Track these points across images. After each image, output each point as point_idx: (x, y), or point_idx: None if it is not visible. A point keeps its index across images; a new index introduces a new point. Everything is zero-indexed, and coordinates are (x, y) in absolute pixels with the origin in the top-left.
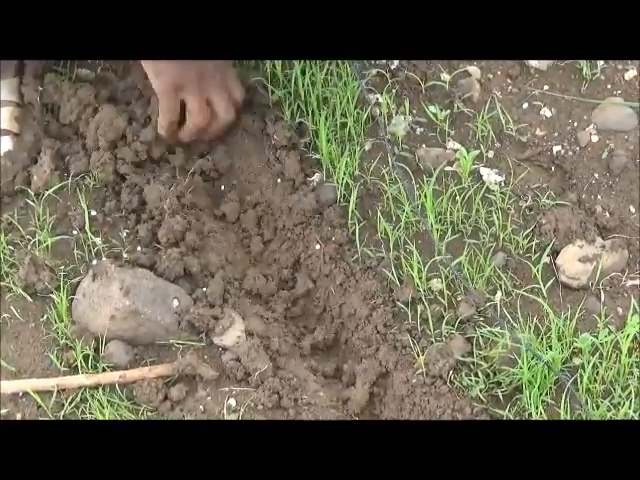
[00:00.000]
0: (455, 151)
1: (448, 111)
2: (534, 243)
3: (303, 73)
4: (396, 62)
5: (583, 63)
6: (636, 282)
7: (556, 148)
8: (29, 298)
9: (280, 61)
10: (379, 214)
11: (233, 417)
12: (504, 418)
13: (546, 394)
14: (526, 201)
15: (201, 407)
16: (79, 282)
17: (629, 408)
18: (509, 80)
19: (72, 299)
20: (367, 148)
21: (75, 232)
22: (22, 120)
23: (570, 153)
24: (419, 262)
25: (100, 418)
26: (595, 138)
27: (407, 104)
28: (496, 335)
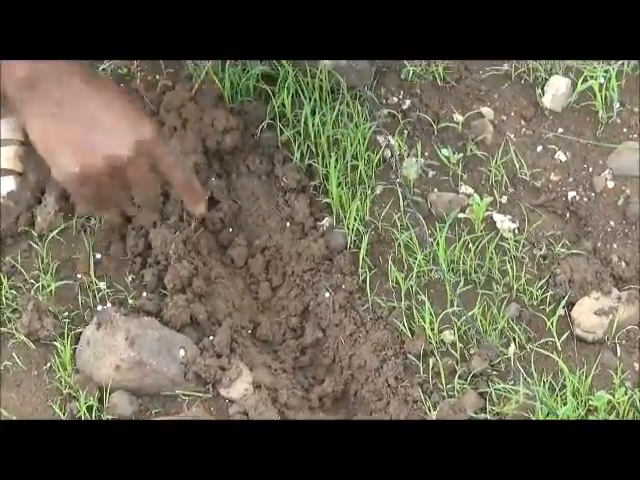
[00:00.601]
0: (468, 196)
1: (461, 154)
2: (548, 294)
3: (313, 113)
4: (408, 102)
5: (599, 105)
6: None
7: (571, 194)
8: (32, 345)
9: (289, 100)
10: (390, 262)
11: None
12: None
13: None
14: (540, 249)
15: None
16: (83, 329)
17: None
18: (523, 122)
19: (76, 347)
20: (378, 192)
21: (79, 276)
22: (25, 159)
23: (585, 199)
24: (431, 313)
25: None
26: (611, 184)
27: (419, 146)
28: (509, 392)
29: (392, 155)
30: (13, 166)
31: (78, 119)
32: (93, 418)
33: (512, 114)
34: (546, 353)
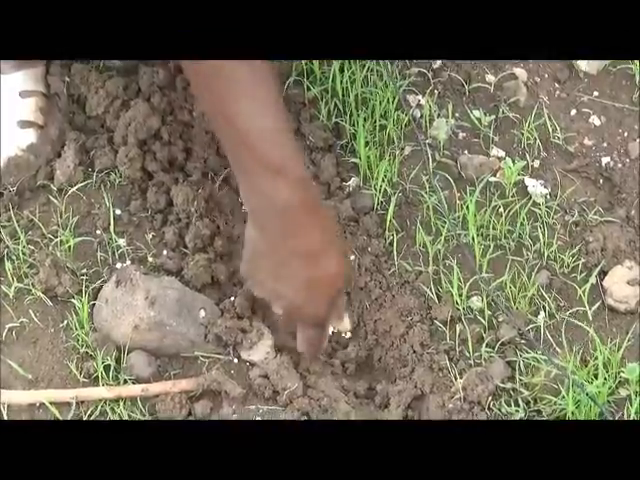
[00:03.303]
0: (499, 159)
1: (493, 116)
2: (580, 262)
3: (342, 70)
4: (439, 61)
5: (635, 69)
6: None
7: (605, 159)
8: (49, 302)
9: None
10: (418, 225)
11: None
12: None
13: None
14: (572, 216)
15: None
16: (101, 287)
17: None
18: (557, 84)
19: (94, 305)
20: (407, 153)
21: (98, 232)
22: (47, 112)
23: (620, 165)
24: (459, 278)
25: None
26: None
27: (450, 107)
28: (538, 361)
29: (422, 115)
30: (34, 118)
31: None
32: (110, 379)
33: (546, 76)
34: (577, 322)
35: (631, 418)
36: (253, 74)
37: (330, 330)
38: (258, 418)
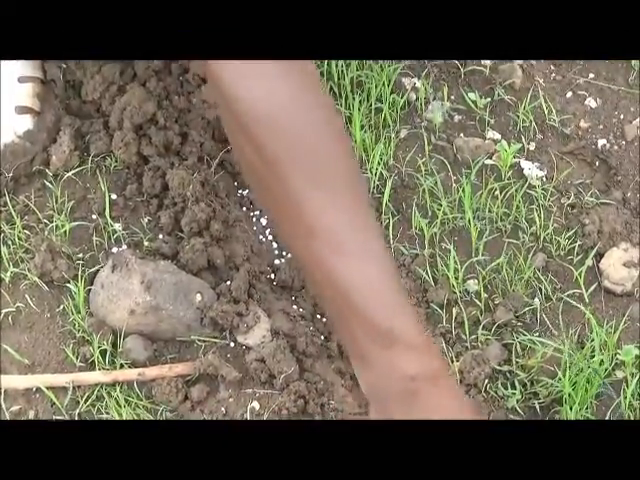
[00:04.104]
0: (495, 142)
1: (488, 99)
2: (576, 245)
3: None
4: None
5: None
6: None
7: (601, 142)
8: (45, 287)
9: None
10: (414, 208)
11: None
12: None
13: (587, 409)
14: (569, 198)
15: (223, 409)
16: (97, 271)
17: None
18: (553, 66)
19: (90, 289)
20: (402, 136)
21: (94, 217)
22: (44, 98)
23: (616, 147)
24: (455, 261)
25: (117, 417)
26: None
27: (445, 90)
28: (535, 343)
29: (417, 98)
30: (31, 104)
31: None
32: (106, 363)
33: None
34: (573, 304)
35: (628, 402)
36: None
37: None
38: (255, 402)
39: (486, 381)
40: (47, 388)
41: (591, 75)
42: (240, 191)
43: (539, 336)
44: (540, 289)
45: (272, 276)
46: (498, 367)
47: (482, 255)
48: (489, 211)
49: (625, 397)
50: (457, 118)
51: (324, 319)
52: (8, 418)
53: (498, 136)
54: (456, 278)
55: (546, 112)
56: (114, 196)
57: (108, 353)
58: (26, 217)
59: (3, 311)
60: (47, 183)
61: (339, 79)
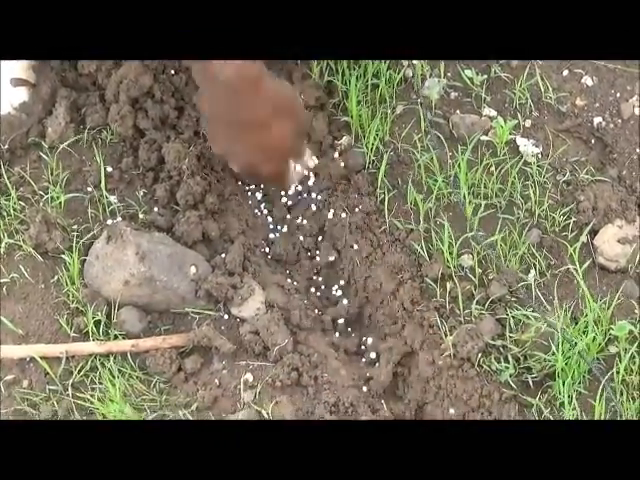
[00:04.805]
0: (491, 119)
1: (485, 76)
2: (571, 221)
3: None
4: None
5: None
6: None
7: (597, 119)
8: (39, 258)
9: None
10: (409, 183)
11: (250, 393)
12: (534, 406)
13: (579, 383)
14: (564, 175)
15: (216, 380)
16: (92, 243)
17: None
18: None
19: (84, 260)
20: (399, 112)
21: (89, 189)
22: (39, 70)
23: (611, 125)
24: (450, 236)
25: (110, 388)
26: (638, 110)
27: (442, 66)
28: (528, 318)
29: (414, 75)
30: (27, 76)
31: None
32: (101, 334)
33: None
34: (567, 280)
35: (620, 378)
36: None
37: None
38: (248, 374)
39: (479, 355)
40: (41, 358)
41: None
42: None
43: (533, 311)
44: (534, 265)
45: (267, 250)
46: (492, 341)
47: (477, 231)
48: (484, 187)
49: (618, 372)
50: (453, 95)
51: (318, 293)
52: (2, 388)
53: (494, 113)
54: (450, 253)
55: (542, 90)
56: (110, 169)
57: (102, 324)
58: (21, 188)
59: None
60: (43, 155)
61: None
